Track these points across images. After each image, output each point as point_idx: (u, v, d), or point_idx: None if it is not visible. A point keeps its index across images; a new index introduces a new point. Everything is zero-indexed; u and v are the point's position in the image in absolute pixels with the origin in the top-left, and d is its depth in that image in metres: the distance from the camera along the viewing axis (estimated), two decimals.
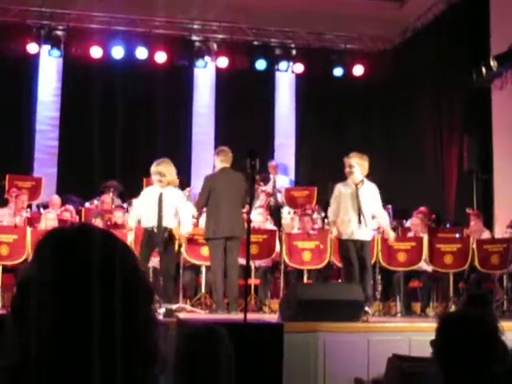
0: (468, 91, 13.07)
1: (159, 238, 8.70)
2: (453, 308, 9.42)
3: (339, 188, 9.38)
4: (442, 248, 10.35)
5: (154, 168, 8.95)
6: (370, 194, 9.33)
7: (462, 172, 13.03)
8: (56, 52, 14.69)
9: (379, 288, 10.46)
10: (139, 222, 9.21)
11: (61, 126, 14.88)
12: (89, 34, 14.66)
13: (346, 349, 7.20)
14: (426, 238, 10.52)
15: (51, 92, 15.05)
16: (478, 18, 12.69)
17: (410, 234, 11.16)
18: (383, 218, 9.75)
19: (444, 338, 2.83)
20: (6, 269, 9.66)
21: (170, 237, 8.90)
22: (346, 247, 9.22)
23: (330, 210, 9.52)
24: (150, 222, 8.84)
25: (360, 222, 9.12)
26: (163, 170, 8.90)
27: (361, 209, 9.14)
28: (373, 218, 9.43)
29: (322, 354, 7.11)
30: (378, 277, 10.45)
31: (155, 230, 8.75)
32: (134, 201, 9.88)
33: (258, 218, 11.06)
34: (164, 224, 8.78)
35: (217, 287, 9.33)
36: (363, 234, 9.21)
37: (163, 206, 8.81)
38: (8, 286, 9.64)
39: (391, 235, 9.77)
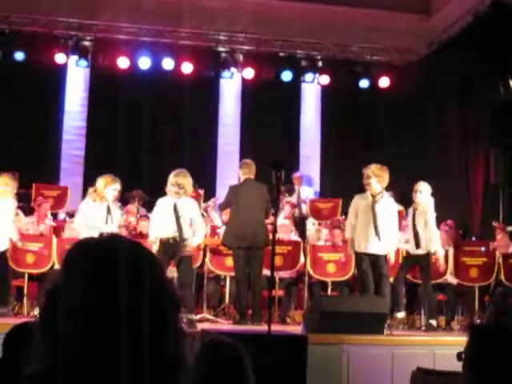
0: (494, 104, 12.99)
1: (177, 249, 8.64)
2: (478, 322, 9.32)
3: (356, 200, 9.30)
4: (468, 261, 10.29)
5: (172, 179, 8.85)
6: (387, 208, 9.17)
7: (488, 185, 12.95)
8: (83, 62, 14.81)
9: (404, 301, 10.40)
10: None
11: (87, 135, 14.99)
12: (116, 45, 14.77)
13: (370, 361, 7.16)
14: (451, 251, 10.45)
15: (78, 102, 15.17)
16: (505, 31, 12.62)
17: None
18: (394, 239, 9.30)
19: (476, 350, 2.77)
20: (31, 277, 9.72)
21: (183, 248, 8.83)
22: (360, 260, 9.17)
23: (347, 224, 9.43)
24: (165, 232, 8.77)
25: (376, 234, 8.99)
26: (182, 181, 8.85)
27: (376, 221, 9.00)
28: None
29: (345, 367, 7.09)
30: (403, 290, 10.39)
31: (171, 241, 8.69)
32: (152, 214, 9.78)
33: (283, 229, 11.05)
34: (179, 234, 8.70)
35: (240, 298, 9.33)
36: (377, 247, 9.05)
37: (180, 217, 8.73)
38: (33, 293, 9.71)
39: (392, 258, 9.28)
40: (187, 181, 8.90)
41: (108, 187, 9.07)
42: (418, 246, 9.42)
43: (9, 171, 12.90)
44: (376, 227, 8.97)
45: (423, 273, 9.52)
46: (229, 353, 2.67)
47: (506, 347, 2.70)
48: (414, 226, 9.43)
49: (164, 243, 8.71)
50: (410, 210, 9.63)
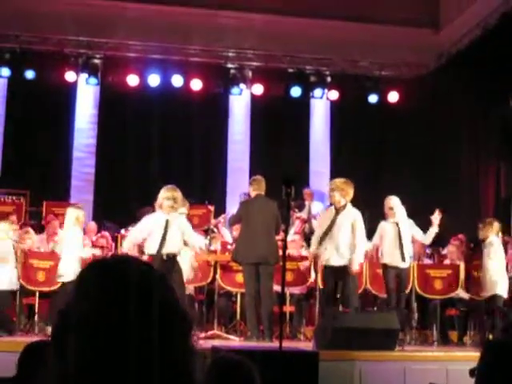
0: (504, 117, 12.97)
1: (170, 265, 8.64)
2: (490, 337, 9.27)
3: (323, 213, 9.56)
4: (479, 275, 10.24)
5: (168, 193, 8.87)
6: (350, 220, 9.19)
7: (499, 199, 12.91)
8: (93, 80, 14.88)
9: (415, 316, 10.37)
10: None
11: (97, 153, 15.03)
12: (125, 63, 14.84)
13: (382, 377, 7.14)
14: (462, 265, 10.41)
15: (88, 119, 15.23)
16: None
17: (447, 262, 11.05)
18: (358, 250, 9.17)
19: (490, 366, 2.73)
20: (42, 295, 9.73)
21: (177, 263, 8.83)
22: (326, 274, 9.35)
23: (314, 236, 9.54)
24: (155, 248, 8.74)
25: (336, 249, 9.08)
26: (178, 196, 8.90)
27: (339, 234, 9.12)
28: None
29: (357, 383, 7.06)
30: (414, 304, 10.36)
31: (165, 258, 8.69)
32: (132, 227, 9.76)
33: (293, 244, 11.04)
34: (170, 250, 8.73)
35: (250, 314, 9.32)
36: (339, 260, 9.09)
37: (169, 232, 8.75)
38: (44, 311, 9.72)
39: (354, 268, 9.19)
40: (180, 195, 8.96)
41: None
42: (403, 259, 9.49)
43: (20, 189, 13.04)
44: (339, 241, 9.08)
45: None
46: (238, 369, 2.67)
47: None
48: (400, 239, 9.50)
49: (158, 259, 8.66)
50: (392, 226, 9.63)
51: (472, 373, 2.85)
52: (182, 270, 8.88)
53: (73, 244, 9.16)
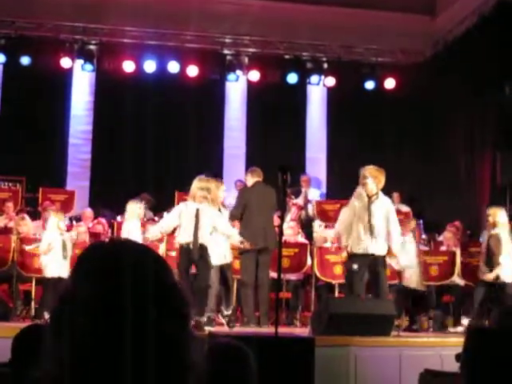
0: (500, 104, 12.97)
1: (194, 255, 8.60)
2: (486, 323, 9.30)
3: (352, 201, 9.04)
4: (475, 262, 10.25)
5: (202, 183, 8.79)
6: (385, 209, 8.90)
7: (494, 186, 12.92)
8: (89, 66, 14.84)
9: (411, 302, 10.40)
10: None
11: (93, 139, 15.02)
12: (121, 49, 14.80)
13: (377, 363, 7.16)
14: (458, 252, 10.43)
15: (84, 106, 15.21)
16: (510, 30, 12.60)
17: (443, 248, 11.07)
18: (394, 238, 8.93)
19: (472, 351, 2.79)
20: (39, 281, 9.74)
21: (206, 253, 8.78)
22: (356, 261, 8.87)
23: (343, 224, 9.07)
24: (186, 237, 8.70)
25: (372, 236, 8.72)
26: (211, 186, 8.84)
27: (374, 222, 8.74)
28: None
29: (353, 369, 7.08)
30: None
31: (191, 247, 8.64)
32: (166, 214, 9.80)
33: (290, 231, 11.05)
34: (200, 241, 8.67)
35: (247, 300, 9.34)
36: (377, 249, 8.76)
37: (201, 222, 8.68)
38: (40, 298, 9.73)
39: (393, 263, 9.24)
40: (213, 186, 8.89)
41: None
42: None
43: (16, 176, 13.03)
44: (373, 228, 8.74)
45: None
46: (234, 354, 2.67)
47: (501, 349, 2.72)
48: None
49: (184, 248, 8.68)
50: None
51: (458, 358, 2.92)
52: (210, 260, 8.84)
53: (133, 236, 9.20)
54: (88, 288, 1.25)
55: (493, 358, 2.69)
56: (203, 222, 8.65)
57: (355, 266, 8.76)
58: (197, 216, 8.64)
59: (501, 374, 2.67)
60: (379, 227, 8.73)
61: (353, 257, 8.80)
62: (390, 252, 8.97)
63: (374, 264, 8.75)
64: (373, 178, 8.85)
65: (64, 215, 10.33)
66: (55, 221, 9.61)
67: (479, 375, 2.71)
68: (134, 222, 9.84)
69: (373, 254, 8.70)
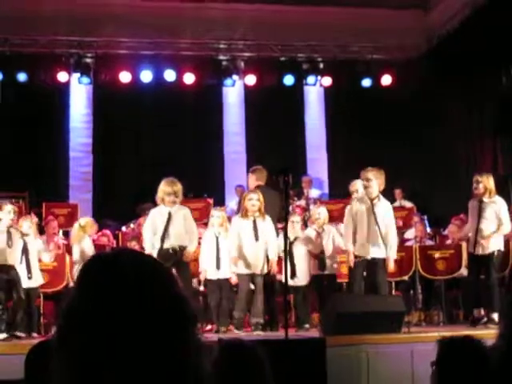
0: (498, 95, 12.96)
1: (176, 258, 8.59)
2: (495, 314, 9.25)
3: (354, 204, 8.99)
4: None
5: (169, 188, 8.77)
6: (385, 211, 8.88)
7: (497, 176, 12.91)
8: (86, 79, 14.86)
9: (420, 297, 10.39)
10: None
11: (93, 151, 15.03)
12: (117, 60, 14.82)
13: (390, 360, 7.15)
14: (464, 245, 10.40)
15: (83, 119, 15.22)
16: (505, 21, 12.59)
17: (449, 242, 11.06)
18: (393, 242, 8.91)
19: (441, 360, 2.91)
20: (46, 296, 9.74)
21: (183, 256, 8.72)
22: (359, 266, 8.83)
23: (348, 231, 8.95)
24: (159, 241, 8.65)
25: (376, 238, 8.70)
26: (178, 189, 8.83)
27: (378, 225, 8.69)
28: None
29: (365, 367, 7.07)
30: (419, 286, 10.38)
31: (171, 251, 8.66)
32: (144, 226, 9.59)
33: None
34: (177, 243, 8.66)
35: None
36: (377, 252, 8.72)
37: (173, 225, 8.67)
38: (48, 312, 9.73)
39: (391, 266, 8.98)
40: (180, 188, 8.88)
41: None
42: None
43: (18, 192, 13.04)
44: (378, 231, 8.69)
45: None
46: (250, 353, 2.68)
47: (468, 360, 2.82)
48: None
49: (164, 253, 8.66)
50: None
51: (432, 364, 3.07)
52: (188, 263, 8.84)
53: None
54: (90, 301, 1.24)
55: (461, 367, 2.81)
56: (176, 224, 8.69)
57: (357, 268, 8.78)
58: (168, 219, 8.67)
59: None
60: (382, 230, 8.72)
61: (355, 259, 8.79)
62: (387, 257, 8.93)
63: (373, 267, 8.73)
64: (376, 180, 8.84)
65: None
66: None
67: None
68: None
69: (374, 258, 8.70)
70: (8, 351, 7.06)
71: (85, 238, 9.90)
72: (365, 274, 8.85)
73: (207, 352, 1.37)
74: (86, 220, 10.37)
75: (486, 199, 9.28)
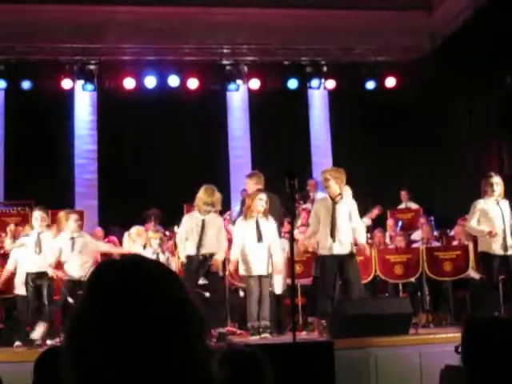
0: (502, 94, 12.94)
1: (204, 265, 8.65)
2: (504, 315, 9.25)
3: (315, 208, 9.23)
4: None
5: (208, 199, 8.85)
6: (348, 208, 8.98)
7: (503, 176, 12.88)
8: (90, 86, 14.89)
9: (427, 299, 10.37)
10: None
11: (99, 158, 15.04)
12: (121, 66, 14.84)
13: (398, 362, 7.14)
14: (471, 245, 10.39)
15: (87, 125, 15.24)
16: (507, 21, 12.58)
17: (455, 243, 11.04)
18: (360, 231, 9.11)
19: (469, 342, 2.83)
20: None
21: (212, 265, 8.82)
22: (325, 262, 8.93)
23: (310, 228, 9.19)
24: (193, 249, 8.79)
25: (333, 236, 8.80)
26: (215, 200, 8.88)
27: (339, 224, 8.82)
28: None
29: (374, 369, 7.06)
30: (426, 288, 10.36)
31: (200, 258, 8.70)
32: (179, 231, 9.67)
33: (301, 236, 11.00)
34: (207, 250, 8.74)
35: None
36: (342, 249, 8.79)
37: (207, 232, 8.76)
38: (57, 319, 9.72)
39: (367, 252, 9.32)
40: (218, 197, 8.93)
41: None
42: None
43: (24, 199, 13.05)
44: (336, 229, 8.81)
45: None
46: (248, 358, 2.67)
47: (499, 339, 2.75)
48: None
49: (192, 259, 8.70)
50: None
51: (456, 349, 2.98)
52: (218, 273, 8.90)
53: None
54: (100, 309, 1.24)
55: (491, 348, 2.73)
56: (209, 232, 8.78)
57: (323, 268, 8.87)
58: (203, 227, 8.75)
59: (500, 362, 2.70)
60: (344, 227, 8.81)
61: (321, 258, 8.92)
62: (359, 251, 9.11)
63: (342, 263, 8.76)
64: (335, 180, 8.98)
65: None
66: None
67: (479, 366, 2.75)
68: None
69: (339, 254, 8.73)
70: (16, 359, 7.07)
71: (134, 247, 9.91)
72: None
73: (216, 356, 1.36)
74: (136, 228, 10.34)
75: (501, 199, 9.37)
